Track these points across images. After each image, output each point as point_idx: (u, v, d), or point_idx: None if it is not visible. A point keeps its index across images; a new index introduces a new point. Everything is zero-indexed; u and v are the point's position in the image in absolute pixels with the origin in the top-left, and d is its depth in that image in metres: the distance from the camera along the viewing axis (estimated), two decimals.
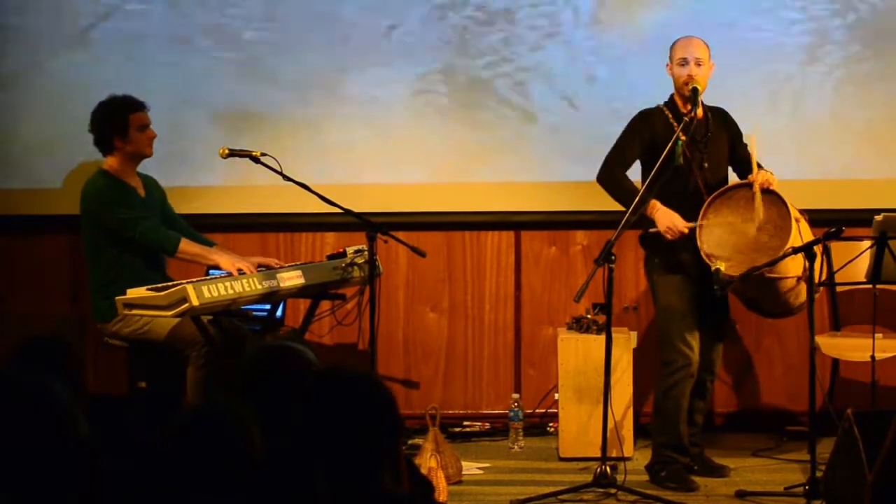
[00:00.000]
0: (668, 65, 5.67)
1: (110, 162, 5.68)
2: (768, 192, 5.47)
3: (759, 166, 5.58)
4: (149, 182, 5.83)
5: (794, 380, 6.52)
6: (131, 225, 5.56)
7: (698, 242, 5.45)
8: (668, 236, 5.53)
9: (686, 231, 5.49)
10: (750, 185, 5.49)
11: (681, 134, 5.44)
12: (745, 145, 5.75)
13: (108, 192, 5.61)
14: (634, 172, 5.70)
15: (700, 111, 5.59)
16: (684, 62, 5.57)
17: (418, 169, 6.66)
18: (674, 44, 5.68)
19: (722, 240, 5.47)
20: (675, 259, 5.58)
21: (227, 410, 2.60)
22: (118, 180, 5.65)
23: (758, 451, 6.14)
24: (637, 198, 5.42)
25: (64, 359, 3.36)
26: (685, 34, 5.71)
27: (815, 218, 5.76)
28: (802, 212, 5.57)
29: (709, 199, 5.49)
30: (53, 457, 2.30)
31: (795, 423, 6.36)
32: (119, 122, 5.61)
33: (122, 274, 5.58)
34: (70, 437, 2.33)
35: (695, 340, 5.60)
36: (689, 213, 5.49)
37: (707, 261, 5.40)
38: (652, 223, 5.57)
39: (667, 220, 5.52)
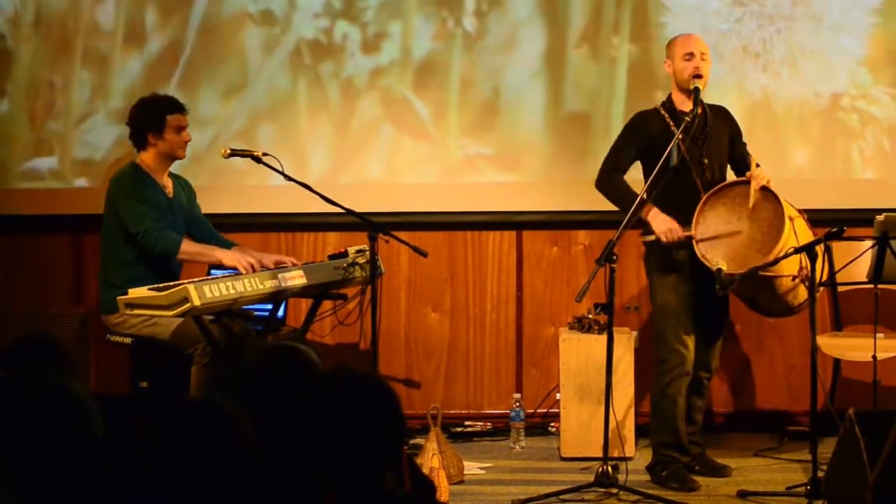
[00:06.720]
0: (666, 62, 5.66)
1: (143, 157, 5.70)
2: (764, 190, 5.46)
3: (757, 164, 5.58)
4: (179, 183, 5.86)
5: (796, 380, 6.52)
6: (139, 220, 5.56)
7: (693, 240, 5.44)
8: (664, 239, 5.51)
9: (684, 236, 5.47)
10: (747, 183, 5.48)
11: (678, 134, 5.43)
12: (745, 144, 5.75)
13: (131, 183, 5.64)
14: (635, 170, 5.70)
15: (699, 108, 5.59)
16: (690, 56, 5.56)
17: (420, 169, 6.66)
18: (673, 41, 5.68)
19: (717, 236, 5.46)
20: (672, 258, 5.58)
21: (216, 408, 2.58)
22: (146, 175, 5.68)
23: (759, 451, 6.14)
24: (636, 201, 5.41)
25: (54, 358, 3.33)
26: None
27: (817, 218, 5.75)
28: (802, 211, 5.57)
29: (705, 196, 5.47)
30: (71, 455, 2.30)
31: (797, 423, 6.36)
32: (156, 120, 5.64)
33: (133, 267, 5.59)
34: (87, 436, 2.34)
35: (690, 339, 5.59)
36: (687, 211, 5.47)
37: (703, 260, 5.39)
38: (649, 228, 5.56)
39: (664, 225, 5.51)
